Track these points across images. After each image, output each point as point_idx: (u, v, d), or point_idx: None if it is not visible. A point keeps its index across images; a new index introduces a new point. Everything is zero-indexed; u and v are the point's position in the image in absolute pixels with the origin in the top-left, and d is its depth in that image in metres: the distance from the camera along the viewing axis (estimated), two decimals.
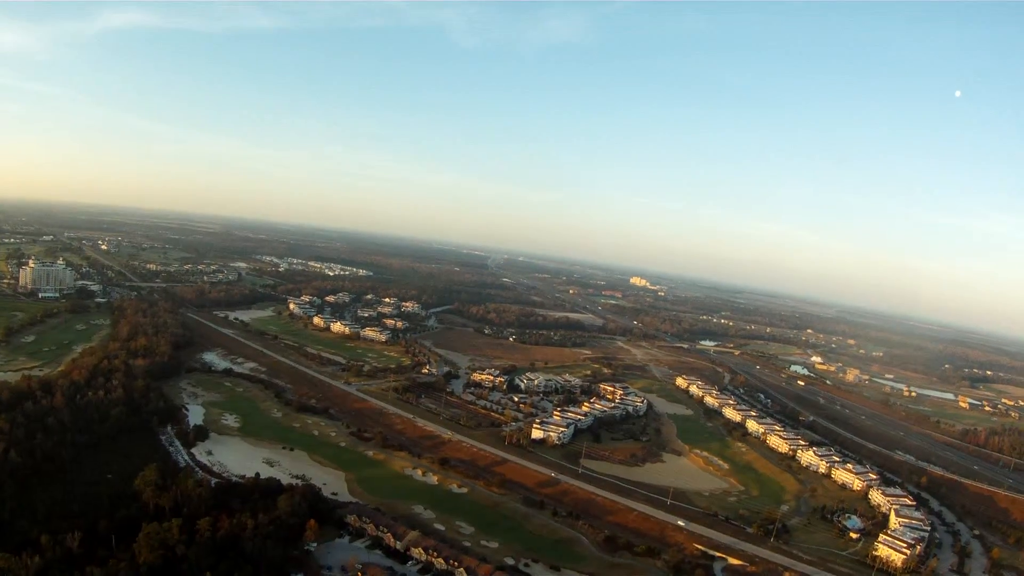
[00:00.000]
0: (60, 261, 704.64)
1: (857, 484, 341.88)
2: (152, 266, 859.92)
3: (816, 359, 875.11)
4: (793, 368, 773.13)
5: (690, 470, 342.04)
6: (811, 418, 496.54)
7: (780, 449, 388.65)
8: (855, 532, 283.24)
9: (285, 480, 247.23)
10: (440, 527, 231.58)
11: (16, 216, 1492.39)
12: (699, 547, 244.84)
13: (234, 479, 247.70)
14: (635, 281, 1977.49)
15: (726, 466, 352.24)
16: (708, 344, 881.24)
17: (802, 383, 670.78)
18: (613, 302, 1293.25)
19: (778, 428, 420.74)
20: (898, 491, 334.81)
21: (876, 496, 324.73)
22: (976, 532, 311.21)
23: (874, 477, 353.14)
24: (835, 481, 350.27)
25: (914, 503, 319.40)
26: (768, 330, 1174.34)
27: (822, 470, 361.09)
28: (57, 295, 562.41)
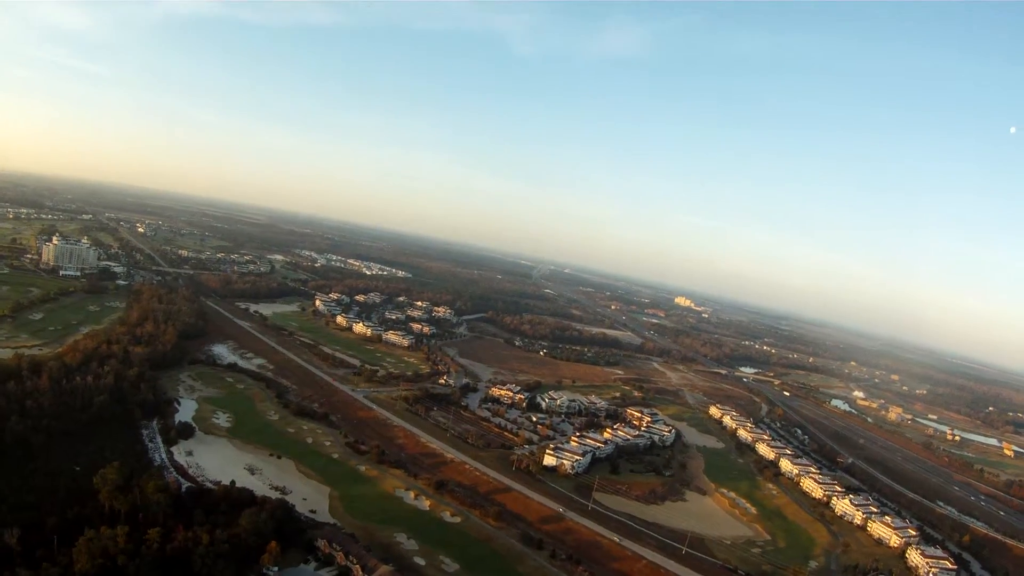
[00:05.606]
0: (85, 240, 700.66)
1: (894, 540, 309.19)
2: (184, 252, 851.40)
3: (858, 394, 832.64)
4: (834, 403, 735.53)
5: (713, 512, 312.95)
6: (850, 460, 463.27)
7: (814, 494, 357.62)
8: None
9: (262, 491, 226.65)
10: (420, 561, 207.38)
11: (63, 194, 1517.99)
12: None
13: (207, 485, 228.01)
14: (680, 301, 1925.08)
15: (753, 510, 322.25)
16: (748, 371, 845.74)
17: (842, 420, 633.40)
18: (655, 321, 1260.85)
19: (813, 470, 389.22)
20: (938, 552, 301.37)
21: (914, 556, 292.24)
22: None
23: (913, 533, 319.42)
24: (870, 535, 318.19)
25: (955, 567, 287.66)
26: (811, 360, 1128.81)
27: (857, 521, 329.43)
28: (78, 274, 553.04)
